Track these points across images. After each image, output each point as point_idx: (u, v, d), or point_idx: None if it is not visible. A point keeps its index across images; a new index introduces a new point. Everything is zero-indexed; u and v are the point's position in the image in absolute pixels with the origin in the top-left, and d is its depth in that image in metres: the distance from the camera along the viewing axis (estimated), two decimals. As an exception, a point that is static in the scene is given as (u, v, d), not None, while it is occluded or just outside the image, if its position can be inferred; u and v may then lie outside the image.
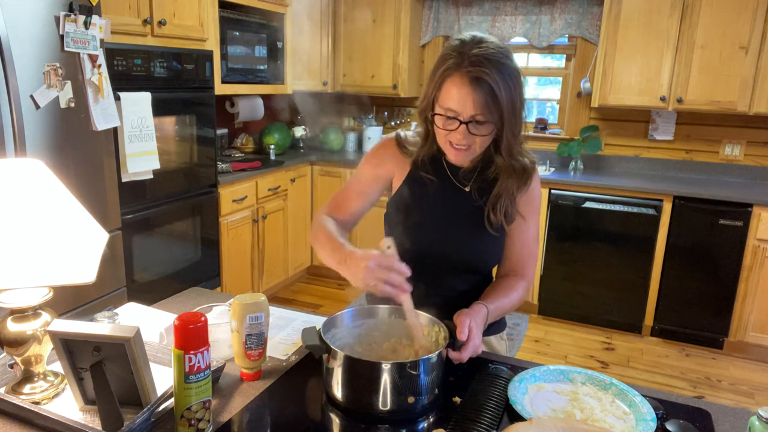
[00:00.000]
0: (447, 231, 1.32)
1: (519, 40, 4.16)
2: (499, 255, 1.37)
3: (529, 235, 1.36)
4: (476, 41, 1.16)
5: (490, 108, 1.14)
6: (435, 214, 1.33)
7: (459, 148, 1.21)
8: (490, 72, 1.12)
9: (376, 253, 1.11)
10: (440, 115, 1.19)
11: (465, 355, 1.11)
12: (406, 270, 1.10)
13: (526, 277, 1.37)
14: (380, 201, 1.43)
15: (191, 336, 0.88)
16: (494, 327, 1.42)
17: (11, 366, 1.08)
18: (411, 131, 1.39)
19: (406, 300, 1.12)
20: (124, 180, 2.53)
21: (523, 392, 1.09)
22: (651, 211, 3.46)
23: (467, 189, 1.33)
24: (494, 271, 1.43)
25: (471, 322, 1.12)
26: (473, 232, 1.32)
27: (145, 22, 2.70)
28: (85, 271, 1.00)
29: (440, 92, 1.18)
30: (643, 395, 1.07)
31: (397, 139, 1.38)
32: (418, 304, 1.16)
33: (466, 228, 1.32)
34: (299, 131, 4.58)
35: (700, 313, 3.47)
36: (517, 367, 1.20)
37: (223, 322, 1.18)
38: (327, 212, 1.41)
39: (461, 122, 1.16)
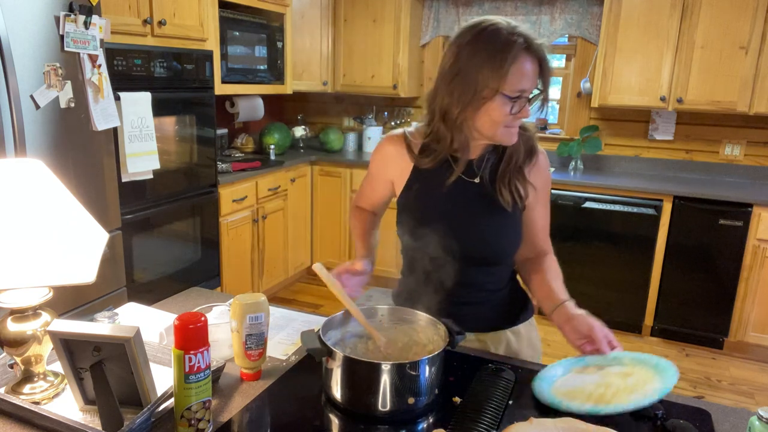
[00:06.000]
0: (467, 226, 1.30)
1: (519, 40, 4.15)
2: (518, 240, 1.35)
3: (547, 209, 1.39)
4: (509, 21, 1.18)
5: (544, 78, 1.19)
6: (452, 211, 1.30)
7: (514, 126, 1.21)
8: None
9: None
10: (509, 98, 1.16)
11: (609, 349, 1.16)
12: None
13: (551, 250, 1.41)
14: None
15: (191, 336, 0.88)
16: (523, 314, 1.42)
17: (11, 366, 1.08)
18: (412, 128, 1.35)
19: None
20: (124, 180, 2.53)
21: (549, 384, 1.10)
22: (651, 211, 3.46)
23: (477, 180, 1.31)
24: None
25: (595, 326, 1.18)
26: (492, 220, 1.30)
27: (145, 22, 2.70)
28: (85, 271, 1.00)
29: (508, 77, 1.14)
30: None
31: (406, 141, 1.33)
32: (448, 304, 1.25)
33: (485, 218, 1.30)
34: (299, 131, 4.58)
35: (700, 313, 3.47)
36: (517, 367, 1.20)
37: (223, 322, 1.18)
38: (355, 203, 1.52)
39: (528, 98, 1.18)
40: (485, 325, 1.38)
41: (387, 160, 1.37)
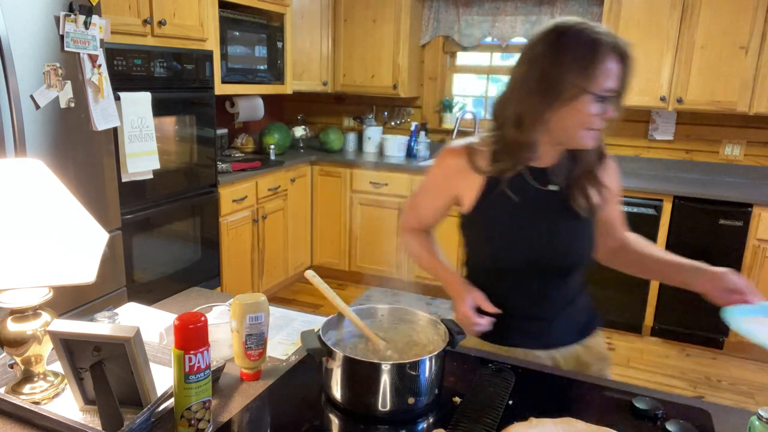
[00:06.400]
0: (544, 234, 1.27)
1: (519, 40, 4.15)
2: (592, 246, 1.34)
3: (620, 204, 1.42)
4: (586, 20, 1.18)
5: (627, 79, 1.18)
6: (527, 221, 1.27)
7: (597, 128, 1.19)
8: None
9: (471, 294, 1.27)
10: (598, 97, 1.14)
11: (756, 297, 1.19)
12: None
13: (628, 231, 1.45)
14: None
15: (191, 336, 0.88)
16: (588, 327, 1.40)
17: (11, 366, 1.08)
18: (476, 139, 1.31)
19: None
20: (124, 180, 2.53)
21: (742, 315, 1.13)
22: (651, 211, 3.46)
23: (552, 188, 1.28)
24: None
25: (740, 281, 1.20)
26: (567, 227, 1.28)
27: (145, 22, 2.70)
28: (85, 271, 1.00)
29: (597, 76, 1.13)
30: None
31: (468, 153, 1.29)
32: (521, 320, 1.30)
33: (560, 225, 1.28)
34: (299, 131, 4.58)
35: (700, 313, 3.47)
36: (517, 367, 1.20)
37: (223, 322, 1.18)
38: (409, 227, 1.46)
39: (613, 97, 1.17)
40: (557, 340, 1.34)
41: (451, 174, 1.32)
